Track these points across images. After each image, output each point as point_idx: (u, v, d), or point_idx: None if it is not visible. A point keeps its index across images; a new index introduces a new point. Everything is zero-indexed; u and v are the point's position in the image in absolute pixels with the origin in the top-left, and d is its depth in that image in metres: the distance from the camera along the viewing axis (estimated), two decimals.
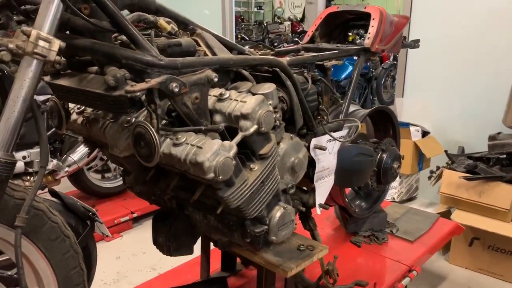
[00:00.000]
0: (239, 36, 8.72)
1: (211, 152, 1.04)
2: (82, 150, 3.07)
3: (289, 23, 9.63)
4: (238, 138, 1.13)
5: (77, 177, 3.27)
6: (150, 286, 1.86)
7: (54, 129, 2.96)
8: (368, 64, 5.97)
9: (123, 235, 3.18)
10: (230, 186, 1.13)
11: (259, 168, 1.19)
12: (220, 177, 1.06)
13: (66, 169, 3.00)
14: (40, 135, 1.03)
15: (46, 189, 2.38)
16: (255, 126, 1.15)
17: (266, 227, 1.30)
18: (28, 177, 2.83)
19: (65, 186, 3.27)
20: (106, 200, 3.42)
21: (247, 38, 8.77)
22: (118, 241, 3.11)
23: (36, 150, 2.85)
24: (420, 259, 2.12)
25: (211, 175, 1.05)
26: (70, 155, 3.04)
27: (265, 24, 9.60)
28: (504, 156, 2.72)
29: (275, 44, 8.50)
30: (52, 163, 2.94)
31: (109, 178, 3.53)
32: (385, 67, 6.39)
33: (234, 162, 1.08)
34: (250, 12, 12.48)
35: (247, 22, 11.47)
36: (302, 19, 10.98)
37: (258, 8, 12.74)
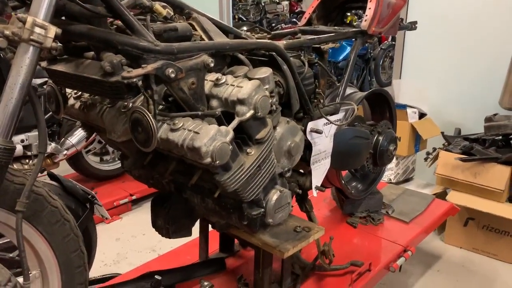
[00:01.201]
0: (236, 17, 8.62)
1: (208, 137, 1.06)
2: (80, 133, 3.08)
3: (287, 2, 9.51)
4: (234, 123, 1.15)
5: (75, 160, 3.29)
6: (150, 267, 1.89)
7: (51, 112, 2.97)
8: (367, 45, 5.94)
9: (123, 217, 3.21)
10: (227, 171, 1.15)
11: (255, 153, 1.20)
12: (217, 161, 1.07)
13: (65, 152, 3.02)
14: (38, 121, 1.04)
15: (45, 173, 2.40)
16: (252, 111, 1.16)
17: (263, 210, 1.32)
18: (27, 160, 2.85)
19: (63, 169, 3.30)
20: (105, 183, 3.45)
21: (244, 19, 8.68)
22: (118, 223, 3.14)
23: (35, 133, 2.86)
24: (415, 240, 2.16)
25: (208, 160, 1.06)
26: (69, 138, 3.04)
27: (262, 4, 9.49)
28: (500, 137, 2.74)
29: (273, 24, 8.42)
30: (51, 146, 2.95)
31: (108, 161, 3.55)
32: (383, 47, 6.33)
33: (230, 147, 1.10)
34: None
35: (244, 2, 11.32)
36: None
37: None
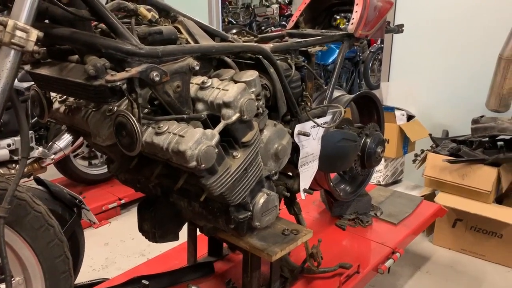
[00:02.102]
0: (226, 20, 8.62)
1: (193, 140, 1.05)
2: (68, 137, 3.05)
3: (277, 6, 9.55)
4: (220, 126, 1.14)
5: (63, 164, 3.26)
6: (138, 271, 1.88)
7: (36, 116, 2.94)
8: (356, 48, 5.98)
9: (111, 221, 3.19)
10: (213, 174, 1.14)
11: (241, 156, 1.20)
12: (203, 165, 1.07)
13: (52, 156, 2.98)
14: (20, 125, 1.03)
15: (32, 177, 2.38)
16: (237, 114, 1.15)
17: (249, 213, 1.32)
18: (14, 165, 2.82)
19: (51, 174, 3.26)
20: (93, 187, 3.42)
21: (234, 22, 8.68)
22: (106, 227, 3.12)
23: None
24: (403, 241, 2.16)
25: (194, 163, 1.06)
26: (56, 142, 3.01)
27: (252, 8, 9.51)
28: (487, 139, 2.77)
29: (263, 27, 8.43)
30: (38, 151, 2.92)
31: (96, 165, 3.52)
32: (372, 50, 6.39)
33: (216, 150, 1.09)
34: None
35: (234, 5, 11.34)
36: (290, 2, 10.88)
37: None
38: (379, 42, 6.88)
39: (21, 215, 1.10)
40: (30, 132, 2.87)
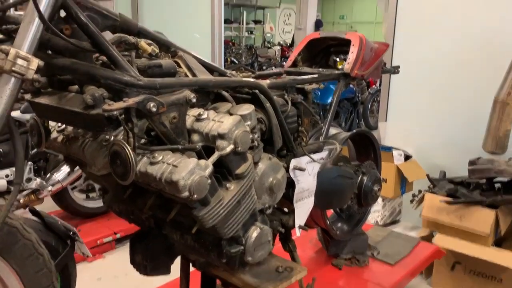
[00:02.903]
0: (229, 60, 8.82)
1: (186, 170, 1.06)
2: (66, 169, 3.06)
3: (279, 47, 9.80)
4: (214, 157, 1.15)
5: (61, 196, 3.24)
6: None
7: (34, 144, 2.96)
8: (355, 88, 6.08)
9: (106, 256, 3.14)
10: (205, 205, 1.14)
11: (235, 188, 1.20)
12: (195, 195, 1.07)
13: (50, 188, 2.98)
14: (16, 152, 1.04)
15: (28, 208, 2.37)
16: (232, 146, 1.17)
17: (242, 247, 1.30)
18: None
19: (48, 206, 3.24)
20: (89, 220, 3.39)
21: (236, 62, 8.88)
22: (100, 262, 3.07)
23: None
24: (400, 283, 2.13)
25: (186, 193, 1.06)
26: (54, 174, 3.02)
27: (254, 49, 9.75)
28: (484, 180, 2.77)
29: (264, 67, 8.61)
30: (36, 182, 2.92)
31: (94, 198, 3.51)
32: (371, 92, 6.50)
33: (209, 181, 1.10)
34: (241, 37, 12.68)
35: (238, 46, 11.63)
36: (292, 44, 11.17)
37: (249, 33, 12.95)
38: (378, 84, 7.01)
39: (11, 243, 1.09)
40: (29, 163, 2.89)
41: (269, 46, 10.70)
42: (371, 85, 6.97)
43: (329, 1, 15.51)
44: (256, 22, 13.05)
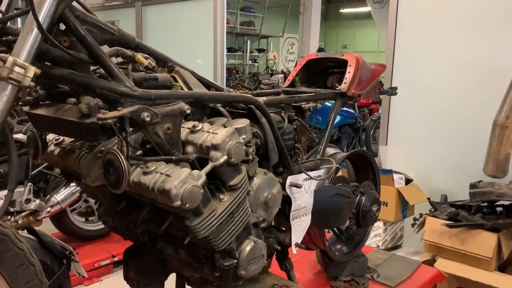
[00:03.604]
0: (231, 85, 8.90)
1: (179, 180, 1.06)
2: (66, 191, 3.06)
3: (282, 75, 9.91)
4: (207, 167, 1.16)
5: (59, 218, 3.23)
6: None
7: (38, 169, 2.98)
8: (356, 114, 6.11)
9: (103, 279, 3.10)
10: (198, 216, 1.14)
11: (228, 199, 1.20)
12: (187, 205, 1.07)
13: (49, 209, 2.98)
14: (10, 158, 1.05)
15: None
16: (225, 157, 1.17)
17: (235, 260, 1.29)
18: (9, 217, 2.80)
19: (47, 229, 3.22)
20: (87, 243, 3.36)
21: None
22: (98, 285, 3.03)
23: (20, 189, 2.85)
24: None
25: (178, 202, 1.06)
26: (54, 196, 3.02)
27: (257, 75, 9.88)
28: (485, 204, 2.74)
29: None
30: (35, 203, 2.92)
31: (93, 221, 3.49)
32: (373, 118, 6.52)
33: (202, 191, 1.10)
34: (244, 65, 12.87)
35: (241, 74, 11.79)
36: None
37: (253, 61, 13.14)
38: (380, 111, 7.05)
39: (2, 251, 1.09)
40: (28, 184, 2.89)
41: (272, 72, 10.84)
42: (373, 112, 7.01)
43: (332, 30, 15.80)
44: (260, 50, 13.27)
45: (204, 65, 5.04)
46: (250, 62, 12.93)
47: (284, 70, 11.14)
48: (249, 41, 12.89)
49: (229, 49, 11.87)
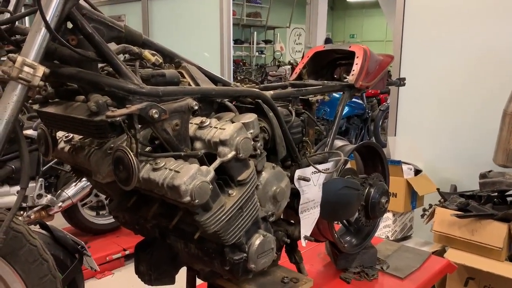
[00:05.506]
0: (238, 78, 8.89)
1: (188, 175, 1.07)
2: (76, 186, 3.10)
3: (289, 66, 9.87)
4: (216, 163, 1.16)
5: (71, 213, 3.28)
6: None
7: (49, 164, 3.01)
8: (365, 105, 6.08)
9: (115, 272, 3.14)
10: (207, 211, 1.15)
11: (237, 194, 1.21)
12: (197, 200, 1.08)
13: (60, 204, 3.02)
14: (21, 156, 1.07)
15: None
16: (233, 152, 1.18)
17: (245, 254, 1.30)
18: (22, 212, 2.84)
19: (59, 224, 3.27)
20: (99, 237, 3.41)
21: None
22: (109, 278, 3.07)
23: (31, 185, 2.88)
24: None
25: (187, 198, 1.07)
26: (65, 191, 3.06)
27: (264, 67, 9.85)
28: (495, 194, 2.73)
29: None
30: (46, 198, 2.95)
31: (104, 215, 3.53)
32: (382, 109, 6.48)
33: (211, 186, 1.11)
34: (251, 56, 12.82)
35: (248, 66, 11.75)
36: None
37: (260, 52, 13.09)
38: (388, 101, 7.00)
39: (16, 248, 1.11)
40: (40, 179, 2.93)
41: (279, 63, 10.79)
42: (382, 102, 6.96)
43: (339, 20, 15.68)
44: (267, 42, 13.21)
45: (211, 58, 5.03)
46: (257, 53, 12.87)
47: (291, 61, 11.09)
48: (255, 33, 12.81)
49: (236, 41, 11.83)
